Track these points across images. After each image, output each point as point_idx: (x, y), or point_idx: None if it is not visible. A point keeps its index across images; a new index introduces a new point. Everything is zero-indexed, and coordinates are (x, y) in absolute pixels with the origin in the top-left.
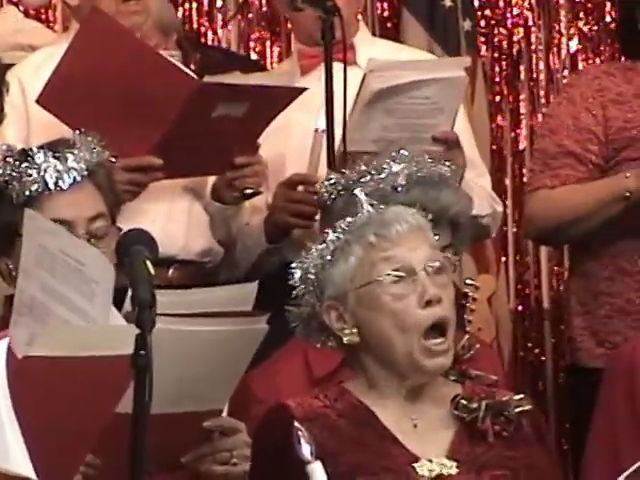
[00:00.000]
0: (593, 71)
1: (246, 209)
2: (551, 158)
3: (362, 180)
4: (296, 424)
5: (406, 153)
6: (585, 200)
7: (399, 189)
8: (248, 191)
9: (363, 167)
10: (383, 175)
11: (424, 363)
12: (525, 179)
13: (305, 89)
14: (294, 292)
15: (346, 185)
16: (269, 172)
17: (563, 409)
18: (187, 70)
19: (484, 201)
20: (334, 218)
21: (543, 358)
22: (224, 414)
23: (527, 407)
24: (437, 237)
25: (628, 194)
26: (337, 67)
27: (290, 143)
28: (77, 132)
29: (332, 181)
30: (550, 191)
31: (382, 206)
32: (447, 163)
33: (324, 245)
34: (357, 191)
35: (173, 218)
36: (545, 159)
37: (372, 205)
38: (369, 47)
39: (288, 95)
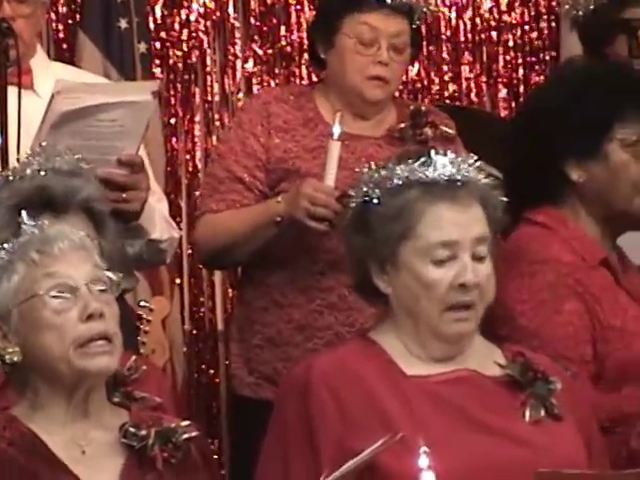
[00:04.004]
0: (265, 96)
1: None
2: (219, 183)
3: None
4: None
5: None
6: (242, 224)
7: (25, 177)
8: None
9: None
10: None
11: (85, 365)
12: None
13: None
14: None
15: None
16: None
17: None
18: None
19: (163, 226)
20: None
21: (217, 380)
22: None
23: (194, 433)
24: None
25: (279, 219)
26: (16, 91)
27: None
28: None
29: None
30: (214, 215)
31: (46, 223)
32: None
33: None
34: (23, 212)
35: None
36: (214, 183)
37: (35, 224)
38: (46, 71)
39: None
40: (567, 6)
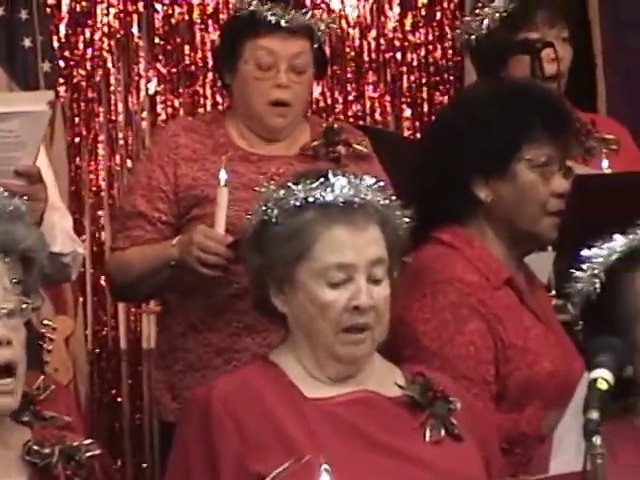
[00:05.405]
0: (174, 128)
1: None
2: (126, 218)
3: None
4: None
5: None
6: (142, 264)
7: None
8: None
9: None
10: None
11: None
12: (102, 221)
13: None
14: None
15: None
16: None
17: (139, 449)
18: None
19: (66, 240)
20: None
21: (119, 399)
22: None
23: (97, 451)
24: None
25: (173, 262)
26: None
27: None
28: None
29: None
30: (121, 253)
31: None
32: (25, 198)
33: None
34: None
35: None
36: (122, 218)
37: None
38: None
39: None
40: (459, 30)
